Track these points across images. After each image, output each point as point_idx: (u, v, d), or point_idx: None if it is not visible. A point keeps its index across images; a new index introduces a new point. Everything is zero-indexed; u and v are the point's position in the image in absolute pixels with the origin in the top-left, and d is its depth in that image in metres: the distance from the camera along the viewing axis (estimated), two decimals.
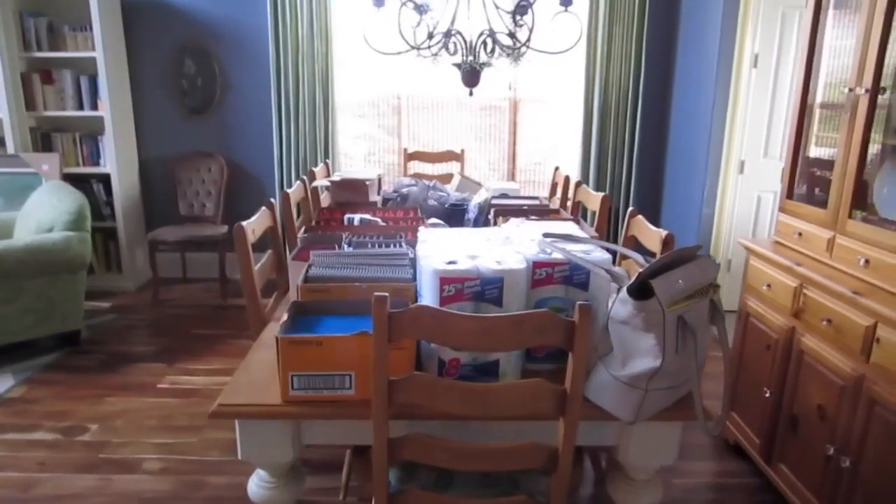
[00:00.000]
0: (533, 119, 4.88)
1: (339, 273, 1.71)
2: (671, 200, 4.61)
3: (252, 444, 1.44)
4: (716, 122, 3.93)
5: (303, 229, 2.28)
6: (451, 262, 1.45)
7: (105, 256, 4.71)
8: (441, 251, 1.55)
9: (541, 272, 1.52)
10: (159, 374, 3.32)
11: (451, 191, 3.48)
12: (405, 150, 4.40)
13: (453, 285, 1.41)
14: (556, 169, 3.61)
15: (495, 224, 2.76)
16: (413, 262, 1.81)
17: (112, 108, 4.38)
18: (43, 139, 4.52)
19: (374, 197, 3.14)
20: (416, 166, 4.54)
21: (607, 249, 1.60)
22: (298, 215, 3.30)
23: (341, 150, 4.82)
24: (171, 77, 4.66)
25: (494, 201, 3.22)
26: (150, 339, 3.78)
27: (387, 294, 1.20)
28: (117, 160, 4.46)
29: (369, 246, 2.03)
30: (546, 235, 1.66)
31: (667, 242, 1.90)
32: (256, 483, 1.51)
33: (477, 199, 3.11)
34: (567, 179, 3.22)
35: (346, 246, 2.05)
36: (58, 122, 4.58)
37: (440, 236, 1.75)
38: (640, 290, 1.31)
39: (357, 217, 2.56)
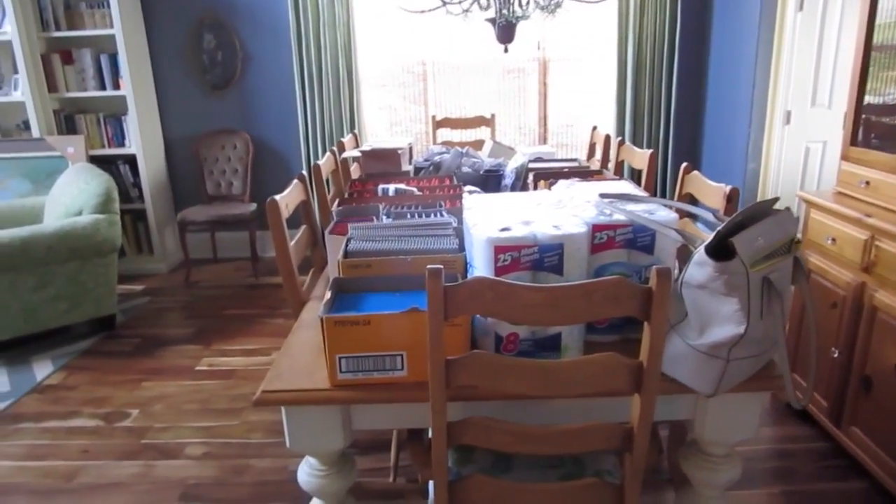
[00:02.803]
0: (563, 79, 4.69)
1: (380, 246, 1.60)
2: (712, 156, 4.41)
3: (300, 432, 1.35)
4: (759, 71, 3.71)
5: (336, 202, 2.17)
6: (504, 230, 1.33)
7: (135, 239, 4.67)
8: (491, 218, 1.42)
9: (601, 236, 1.40)
10: (196, 357, 3.27)
11: (484, 157, 3.34)
12: (433, 117, 4.25)
13: (509, 254, 1.29)
14: (594, 128, 3.44)
15: (535, 189, 2.63)
16: (458, 232, 1.70)
17: (134, 87, 4.29)
18: (67, 121, 4.46)
19: (406, 166, 3.01)
20: (445, 134, 4.39)
21: (669, 209, 1.47)
22: (329, 188, 3.20)
23: (367, 121, 4.69)
24: (191, 53, 4.55)
25: (531, 165, 3.07)
26: (184, 322, 3.73)
27: (441, 267, 1.09)
28: (142, 140, 4.39)
29: (409, 216, 1.92)
30: (603, 196, 1.52)
31: (731, 198, 1.75)
32: (307, 472, 1.42)
33: (513, 164, 2.97)
34: (608, 138, 3.06)
35: (384, 217, 1.93)
36: (80, 103, 4.51)
37: (487, 203, 1.62)
38: (719, 251, 1.18)
39: (391, 187, 2.44)
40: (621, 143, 2.88)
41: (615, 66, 4.36)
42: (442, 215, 1.92)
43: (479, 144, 4.07)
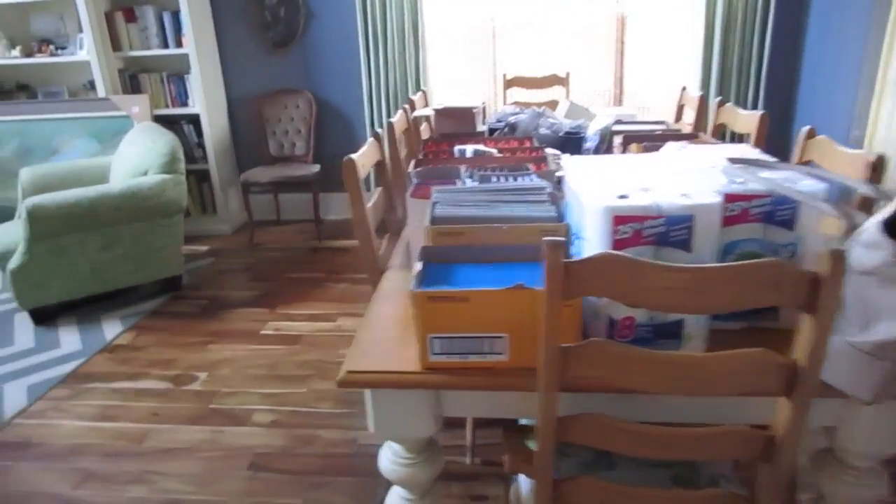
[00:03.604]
0: (642, 37, 4.38)
1: (468, 212, 1.45)
2: (807, 121, 4.06)
3: (386, 416, 1.23)
4: (874, 30, 3.35)
5: (412, 163, 2.03)
6: (622, 197, 1.16)
7: (200, 199, 4.66)
8: (600, 183, 1.25)
9: (734, 207, 1.21)
10: (261, 320, 3.22)
11: (560, 118, 3.13)
12: (503, 76, 4.03)
13: (630, 225, 1.12)
14: (684, 89, 3.18)
15: (624, 153, 2.42)
16: (554, 198, 1.53)
17: (196, 45, 4.21)
18: (131, 81, 4.43)
19: (481, 127, 2.84)
20: (514, 95, 4.17)
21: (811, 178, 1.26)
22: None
23: (432, 80, 4.50)
24: (253, 9, 4.44)
25: (615, 127, 2.86)
26: (248, 284, 3.69)
27: (563, 239, 0.93)
28: (206, 99, 4.32)
29: (495, 179, 1.76)
30: (732, 161, 1.32)
31: (876, 167, 1.52)
32: (390, 459, 1.31)
33: (596, 126, 2.76)
34: (702, 99, 2.80)
35: (466, 180, 1.78)
36: (143, 62, 4.47)
37: (590, 165, 1.44)
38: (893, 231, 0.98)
39: (469, 148, 2.28)
40: (721, 104, 2.62)
41: (702, 23, 4.03)
42: (531, 179, 1.75)
43: (551, 106, 3.85)
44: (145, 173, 3.36)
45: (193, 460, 2.21)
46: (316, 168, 4.30)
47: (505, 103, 4.02)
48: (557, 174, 1.92)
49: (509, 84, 4.00)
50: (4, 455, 2.30)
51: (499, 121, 3.12)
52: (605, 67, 4.47)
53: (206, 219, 4.60)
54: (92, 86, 4.44)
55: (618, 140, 2.54)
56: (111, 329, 3.19)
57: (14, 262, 3.14)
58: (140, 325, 3.23)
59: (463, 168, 1.87)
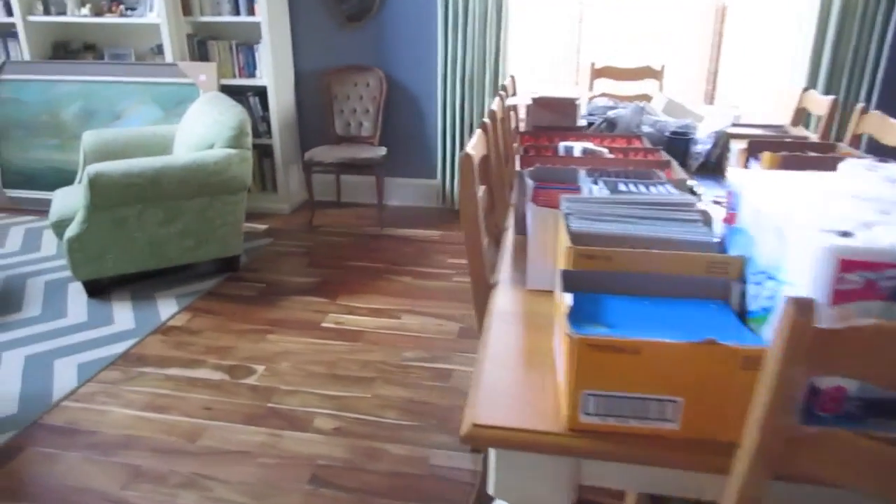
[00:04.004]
0: (743, 30, 4.02)
1: (610, 229, 1.20)
2: None
3: (513, 480, 0.99)
4: None
5: (517, 160, 1.78)
6: (845, 234, 0.89)
7: (260, 175, 4.50)
8: (804, 211, 0.98)
9: None
10: (321, 311, 3.03)
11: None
12: (592, 65, 3.74)
13: (862, 273, 0.86)
14: (805, 90, 2.84)
15: (747, 163, 2.13)
16: (707, 217, 1.27)
17: (269, 14, 4.02)
18: (199, 47, 4.27)
19: (580, 121, 2.57)
20: (602, 86, 3.87)
21: None
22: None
23: (511, 64, 4.22)
24: None
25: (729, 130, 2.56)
26: (307, 269, 3.51)
27: (812, 299, 0.68)
28: (274, 72, 4.14)
29: (623, 187, 1.50)
30: None
31: None
32: None
33: (709, 127, 2.46)
34: (835, 103, 2.47)
35: (590, 186, 1.52)
36: (213, 28, 4.30)
37: (768, 182, 1.18)
38: None
39: (577, 146, 2.02)
40: (864, 111, 2.30)
41: (815, 13, 3.66)
42: (667, 190, 1.49)
43: (642, 100, 3.55)
44: (211, 146, 3.19)
45: (250, 466, 2.03)
46: (382, 151, 4.08)
47: (590, 94, 3.73)
48: (689, 184, 1.66)
49: (598, 74, 3.71)
50: (52, 441, 2.15)
51: (591, 114, 2.85)
52: (699, 61, 4.13)
53: (265, 196, 4.44)
54: (160, 50, 4.30)
55: (737, 146, 2.25)
56: (166, 308, 3.04)
57: (72, 231, 3.00)
58: (195, 307, 3.07)
59: (582, 171, 1.62)
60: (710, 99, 4.17)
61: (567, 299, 0.99)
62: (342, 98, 4.34)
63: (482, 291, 1.47)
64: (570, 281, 1.09)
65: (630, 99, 3.49)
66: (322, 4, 4.28)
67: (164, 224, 3.13)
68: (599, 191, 1.47)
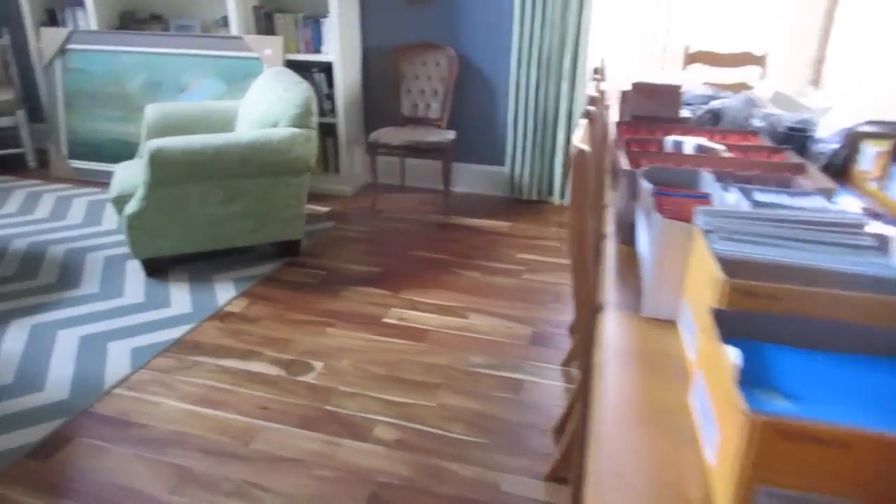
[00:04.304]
0: (860, 11, 3.62)
1: (765, 255, 0.96)
2: None
3: None
4: None
5: (622, 157, 1.54)
6: None
7: (323, 156, 4.35)
8: None
9: None
10: (383, 304, 2.86)
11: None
12: (686, 48, 3.42)
13: None
14: None
15: (888, 171, 1.83)
16: (883, 242, 1.02)
17: None
18: (265, 20, 4.12)
19: (683, 112, 2.29)
20: (693, 72, 3.55)
21: None
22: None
23: (593, 46, 3.93)
24: None
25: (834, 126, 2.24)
26: (369, 258, 3.34)
27: None
28: (341, 47, 3.96)
29: (759, 195, 1.25)
30: None
31: None
32: None
33: (835, 124, 2.16)
34: None
35: (722, 193, 1.27)
36: (280, 0, 4.14)
37: None
38: None
39: (687, 141, 1.76)
40: None
41: None
42: (818, 201, 1.24)
43: (737, 89, 3.22)
44: (275, 125, 3.04)
45: (304, 478, 1.87)
46: (451, 135, 3.86)
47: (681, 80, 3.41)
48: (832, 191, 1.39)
49: (692, 59, 3.39)
50: (102, 432, 2.05)
51: (687, 103, 2.57)
52: (804, 47, 3.75)
53: (327, 177, 4.29)
54: (225, 22, 4.18)
55: (873, 147, 1.95)
56: (223, 292, 2.92)
57: (131, 208, 2.90)
58: (253, 293, 2.94)
59: (706, 173, 1.37)
60: (812, 90, 3.79)
61: (733, 356, 0.76)
62: (410, 77, 4.13)
63: (587, 314, 1.24)
64: (725, 324, 0.86)
65: (726, 88, 3.17)
66: None
67: (224, 204, 3.00)
68: (737, 201, 1.23)
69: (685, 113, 2.38)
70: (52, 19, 4.48)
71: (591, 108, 1.49)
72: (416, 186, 4.42)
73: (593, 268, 1.46)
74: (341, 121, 4.10)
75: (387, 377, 2.34)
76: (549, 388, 2.29)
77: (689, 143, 1.74)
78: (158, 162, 2.80)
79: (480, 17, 4.00)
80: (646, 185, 1.27)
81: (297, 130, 2.99)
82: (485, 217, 3.90)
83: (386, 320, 2.73)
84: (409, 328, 2.67)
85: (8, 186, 4.25)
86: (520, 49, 3.89)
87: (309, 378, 2.33)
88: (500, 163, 4.25)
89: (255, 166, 2.94)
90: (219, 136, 2.90)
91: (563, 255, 3.36)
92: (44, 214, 3.80)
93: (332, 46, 3.97)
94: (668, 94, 2.16)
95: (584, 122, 1.47)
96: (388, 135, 3.86)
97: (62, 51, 4.29)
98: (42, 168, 4.57)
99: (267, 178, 3.02)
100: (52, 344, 2.52)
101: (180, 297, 2.89)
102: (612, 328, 1.13)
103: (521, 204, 4.13)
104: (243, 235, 3.11)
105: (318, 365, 2.41)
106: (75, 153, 4.40)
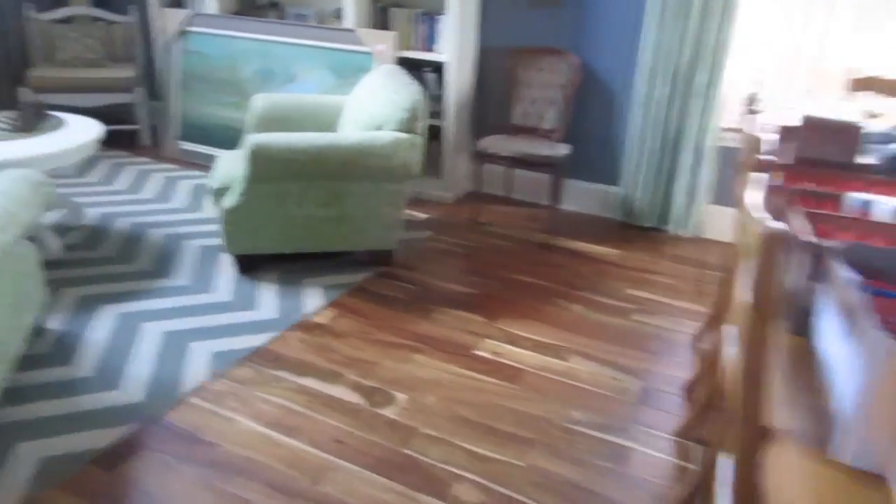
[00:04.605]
0: None
1: None
2: None
3: None
4: None
5: (800, 221, 1.23)
6: None
7: (425, 159, 4.15)
8: None
9: None
10: (477, 333, 2.63)
11: None
12: (849, 72, 2.96)
13: None
14: None
15: None
16: None
17: None
18: (380, 14, 3.97)
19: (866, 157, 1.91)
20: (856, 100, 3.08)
21: None
22: None
23: (732, 62, 3.52)
24: None
25: None
26: (465, 276, 3.11)
27: None
28: (456, 47, 3.74)
29: None
30: None
31: None
32: None
33: None
34: None
35: None
36: None
37: None
38: None
39: (884, 203, 1.41)
40: None
41: None
42: None
43: None
44: (380, 128, 2.86)
45: None
46: (565, 150, 3.58)
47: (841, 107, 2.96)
48: None
49: (860, 85, 2.93)
50: (171, 447, 1.93)
51: (865, 142, 2.16)
52: None
53: (428, 181, 4.09)
54: (340, 14, 4.05)
55: None
56: (311, 299, 2.78)
57: (230, 201, 2.82)
58: (342, 303, 2.79)
59: None
60: None
61: None
62: (525, 83, 3.87)
63: (752, 439, 0.96)
64: None
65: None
66: None
67: (322, 206, 2.86)
68: None
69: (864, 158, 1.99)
70: (176, 0, 4.52)
71: (767, 157, 1.19)
72: (521, 199, 4.15)
73: (713, 334, 1.15)
74: (449, 124, 3.89)
75: (475, 423, 2.11)
76: (659, 462, 1.98)
77: (886, 206, 1.39)
78: (259, 158, 2.69)
79: (609, 23, 3.67)
80: (849, 276, 0.96)
81: (401, 136, 2.80)
82: (593, 241, 3.59)
83: (478, 352, 2.50)
84: (504, 366, 2.43)
85: (122, 162, 4.33)
86: (650, 60, 3.54)
87: (390, 412, 2.14)
88: (614, 182, 3.92)
89: (356, 170, 2.78)
90: (322, 135, 2.76)
91: (679, 295, 3.02)
92: (150, 195, 3.82)
93: (446, 45, 3.77)
94: (846, 134, 1.79)
95: (756, 176, 1.16)
96: (498, 143, 3.62)
97: (182, 32, 4.32)
98: (154, 146, 4.64)
99: (367, 183, 2.86)
100: (135, 337, 2.46)
101: (268, 299, 2.77)
102: (790, 476, 0.84)
103: (633, 230, 3.78)
104: (338, 240, 2.96)
105: (402, 398, 2.21)
106: (186, 135, 4.43)
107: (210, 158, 4.30)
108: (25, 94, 4.20)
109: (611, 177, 3.93)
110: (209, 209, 3.65)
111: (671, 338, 2.68)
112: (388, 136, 2.80)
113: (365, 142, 2.75)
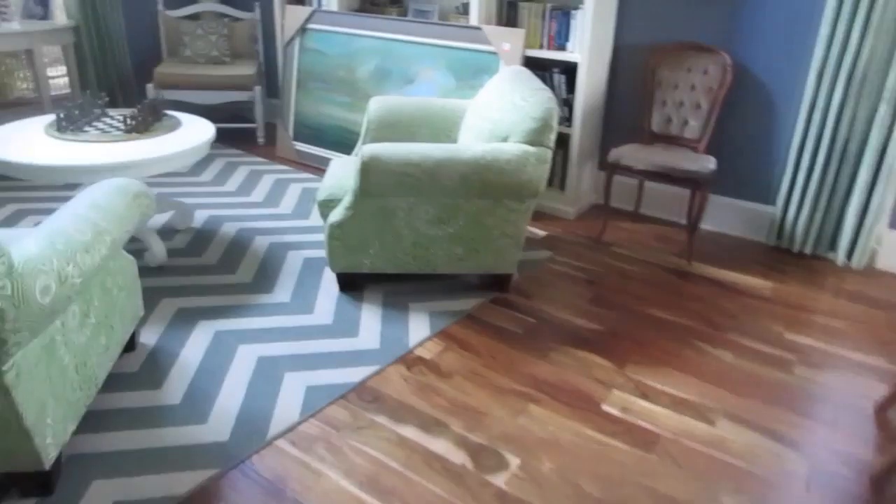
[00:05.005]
0: None
1: None
2: None
3: None
4: None
5: None
6: None
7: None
8: None
9: None
10: (604, 381, 2.26)
11: None
12: None
13: None
14: None
15: None
16: None
17: None
18: (509, 9, 3.64)
19: None
20: None
21: None
22: None
23: None
24: None
25: None
26: (590, 308, 2.74)
27: None
28: (590, 45, 3.35)
29: None
30: None
31: None
32: None
33: None
34: None
35: None
36: None
37: None
38: None
39: None
40: None
41: None
42: None
43: None
44: (505, 139, 2.54)
45: None
46: (712, 164, 3.10)
47: None
48: None
49: None
50: (252, 499, 1.72)
51: None
52: None
53: (549, 194, 3.71)
54: (465, 10, 3.76)
55: None
56: (417, 327, 2.52)
57: (336, 216, 2.60)
58: (450, 334, 2.50)
59: None
60: None
61: None
62: (668, 86, 3.40)
63: None
64: None
65: None
66: None
67: (434, 224, 2.58)
68: None
69: None
70: None
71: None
72: (653, 216, 3.70)
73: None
74: (576, 132, 3.51)
75: (597, 499, 1.76)
76: None
77: None
78: (371, 171, 2.44)
79: (772, 15, 3.14)
80: None
81: (530, 149, 2.46)
82: (739, 270, 3.09)
83: (605, 407, 2.13)
84: (635, 427, 2.04)
85: (236, 161, 4.29)
86: (824, 61, 2.99)
87: (500, 480, 1.82)
88: (768, 201, 3.38)
89: (475, 186, 2.48)
90: (440, 147, 2.47)
91: (853, 344, 2.49)
92: (259, 198, 3.72)
93: (580, 44, 3.38)
94: None
95: None
96: (633, 154, 3.20)
97: (303, 29, 4.20)
98: (269, 145, 4.58)
99: (487, 201, 2.55)
100: (229, 360, 2.29)
101: (370, 324, 2.53)
102: None
103: (788, 257, 3.24)
104: (449, 262, 2.68)
105: (514, 462, 1.88)
106: (299, 135, 4.32)
107: (322, 161, 4.16)
108: (151, 92, 4.24)
109: (763, 194, 3.39)
110: (316, 216, 3.49)
111: (846, 402, 2.18)
112: (514, 149, 2.47)
113: (488, 155, 2.44)
